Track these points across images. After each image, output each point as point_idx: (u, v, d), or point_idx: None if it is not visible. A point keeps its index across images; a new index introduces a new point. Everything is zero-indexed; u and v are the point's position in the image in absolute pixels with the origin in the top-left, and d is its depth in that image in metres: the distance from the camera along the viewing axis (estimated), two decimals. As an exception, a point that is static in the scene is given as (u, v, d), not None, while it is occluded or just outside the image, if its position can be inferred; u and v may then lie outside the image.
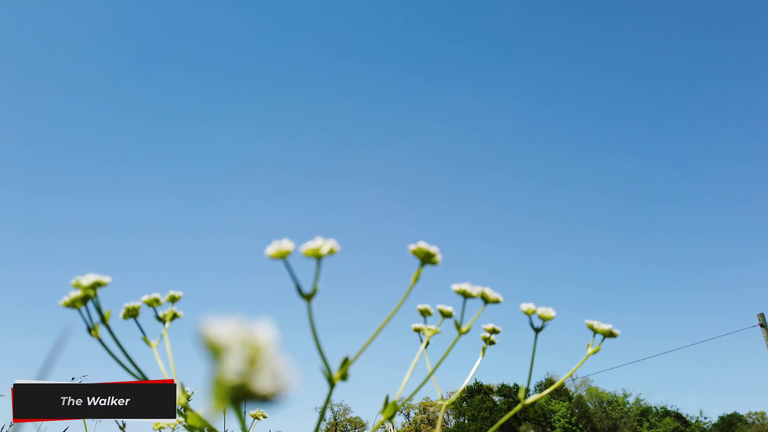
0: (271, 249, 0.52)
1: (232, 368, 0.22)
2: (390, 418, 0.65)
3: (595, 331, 0.71)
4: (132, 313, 0.73)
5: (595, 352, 0.70)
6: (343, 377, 0.56)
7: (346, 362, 0.56)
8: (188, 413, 0.64)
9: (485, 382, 41.39)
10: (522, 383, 0.72)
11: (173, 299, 0.76)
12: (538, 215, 60.64)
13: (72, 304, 0.63)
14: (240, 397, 0.22)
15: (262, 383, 0.22)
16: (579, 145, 64.04)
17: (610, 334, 0.70)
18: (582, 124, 64.31)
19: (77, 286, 0.62)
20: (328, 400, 0.56)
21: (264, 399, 0.23)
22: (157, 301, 0.75)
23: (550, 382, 37.59)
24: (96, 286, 0.63)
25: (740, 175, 59.48)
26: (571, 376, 0.81)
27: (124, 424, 0.93)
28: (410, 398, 0.72)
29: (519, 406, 0.71)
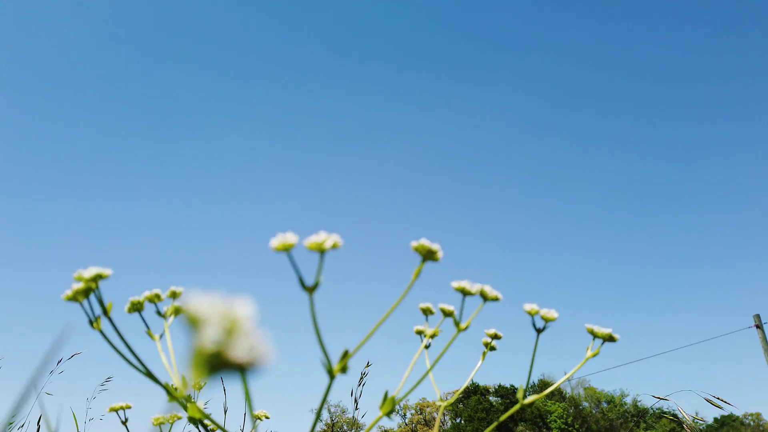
0: (276, 241, 0.52)
1: (210, 337, 0.23)
2: (388, 414, 0.65)
3: (594, 335, 0.71)
4: (137, 307, 0.73)
5: (594, 356, 0.70)
6: (343, 370, 0.56)
7: (346, 355, 0.56)
8: (189, 405, 0.64)
9: (482, 383, 41.40)
10: (518, 384, 0.72)
11: (174, 295, 0.76)
12: (534, 214, 60.61)
13: (74, 298, 0.63)
14: (217, 366, 0.23)
15: (239, 353, 0.23)
16: (578, 144, 63.98)
17: (609, 338, 0.70)
18: (581, 122, 64.22)
19: (79, 279, 0.62)
20: (326, 394, 0.56)
21: (241, 368, 0.23)
22: (158, 296, 0.75)
23: (543, 383, 37.53)
24: (98, 278, 0.63)
25: (738, 175, 59.42)
26: (568, 377, 0.81)
27: (126, 419, 0.94)
28: (407, 396, 0.72)
29: (517, 406, 0.71)
